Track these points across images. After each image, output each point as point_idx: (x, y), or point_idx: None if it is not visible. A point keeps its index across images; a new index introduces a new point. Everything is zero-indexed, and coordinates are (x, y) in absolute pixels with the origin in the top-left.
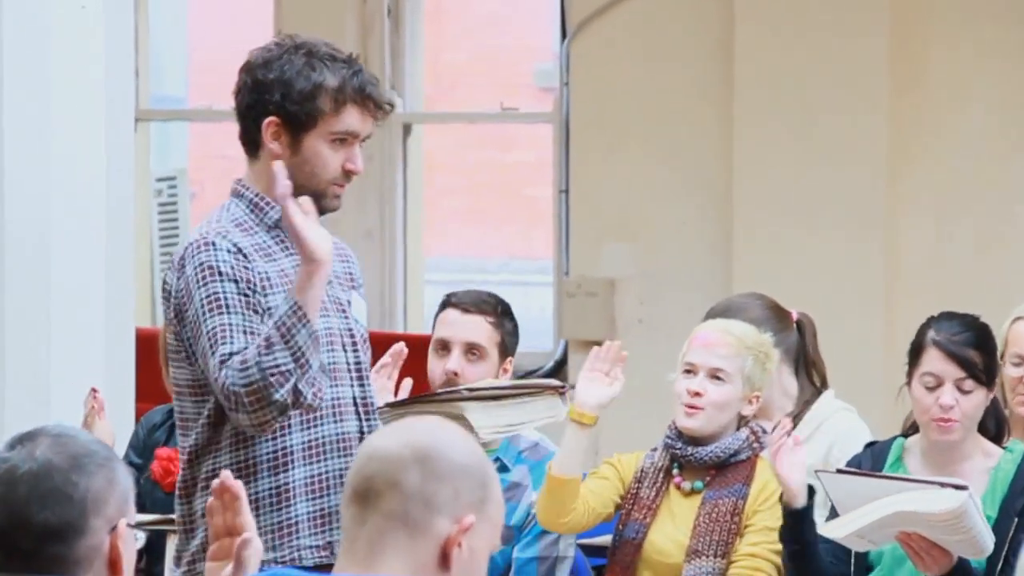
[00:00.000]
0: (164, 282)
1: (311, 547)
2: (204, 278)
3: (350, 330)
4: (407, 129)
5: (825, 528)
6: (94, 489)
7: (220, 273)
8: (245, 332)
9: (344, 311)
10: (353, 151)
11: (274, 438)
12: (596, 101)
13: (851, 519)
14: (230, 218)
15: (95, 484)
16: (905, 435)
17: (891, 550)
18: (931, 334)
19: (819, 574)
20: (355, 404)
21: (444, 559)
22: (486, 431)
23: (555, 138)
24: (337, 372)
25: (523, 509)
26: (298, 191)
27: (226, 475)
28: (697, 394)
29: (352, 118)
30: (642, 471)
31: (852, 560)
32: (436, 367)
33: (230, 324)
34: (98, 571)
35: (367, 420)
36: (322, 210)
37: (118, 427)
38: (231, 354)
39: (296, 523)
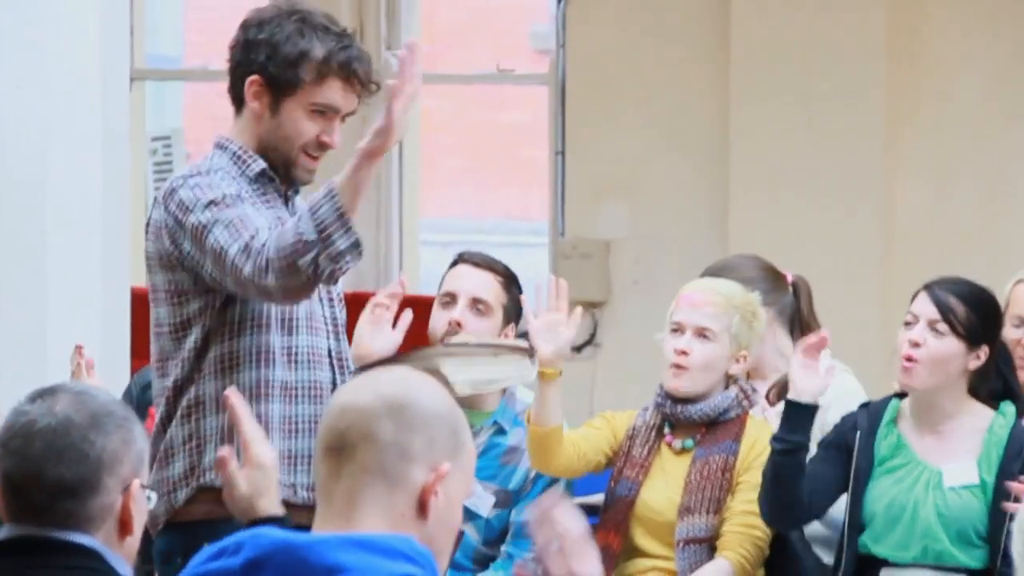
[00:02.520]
0: (148, 221)
1: (281, 484)
2: (203, 190)
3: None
4: None
5: None
6: (110, 449)
7: (217, 186)
8: (260, 216)
9: None
10: (332, 125)
11: (256, 368)
12: (592, 63)
13: None
14: (214, 167)
15: (111, 444)
16: (900, 396)
17: (883, 511)
18: (929, 283)
19: (795, 488)
20: (330, 356)
21: (422, 508)
22: (461, 385)
23: (551, 100)
24: (315, 322)
25: (521, 473)
26: (270, 153)
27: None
28: (683, 352)
29: (333, 92)
30: (634, 429)
31: (847, 520)
32: (440, 318)
33: (245, 213)
34: (108, 530)
35: (340, 373)
36: (292, 180)
37: (114, 386)
38: (258, 231)
39: None
